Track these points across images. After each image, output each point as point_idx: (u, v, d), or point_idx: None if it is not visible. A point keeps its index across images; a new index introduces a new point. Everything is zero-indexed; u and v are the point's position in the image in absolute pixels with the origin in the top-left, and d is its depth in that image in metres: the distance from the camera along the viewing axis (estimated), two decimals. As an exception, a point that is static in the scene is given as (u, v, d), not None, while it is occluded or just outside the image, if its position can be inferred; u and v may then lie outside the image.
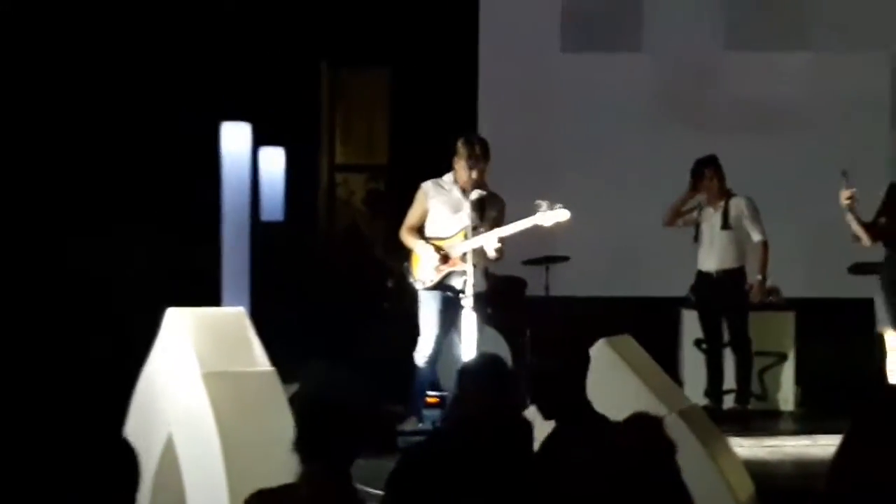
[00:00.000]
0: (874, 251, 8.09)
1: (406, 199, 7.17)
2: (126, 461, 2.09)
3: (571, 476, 3.67)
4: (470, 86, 9.62)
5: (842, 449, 2.48)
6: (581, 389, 3.90)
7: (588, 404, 3.94)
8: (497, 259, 6.71)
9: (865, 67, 9.49)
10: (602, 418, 3.91)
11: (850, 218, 6.76)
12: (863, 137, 9.33)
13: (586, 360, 3.97)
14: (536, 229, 6.58)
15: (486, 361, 3.99)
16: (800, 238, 8.90)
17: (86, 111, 7.89)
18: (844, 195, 6.79)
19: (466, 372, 3.85)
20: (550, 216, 6.50)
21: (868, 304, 8.05)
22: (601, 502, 3.38)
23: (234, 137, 8.68)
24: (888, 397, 2.81)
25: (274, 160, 9.15)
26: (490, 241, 6.61)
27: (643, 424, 3.58)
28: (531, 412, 4.13)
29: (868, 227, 6.90)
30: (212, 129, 8.60)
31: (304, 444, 3.29)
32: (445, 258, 6.77)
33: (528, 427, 3.93)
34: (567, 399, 3.90)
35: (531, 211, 6.54)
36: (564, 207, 6.50)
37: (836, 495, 2.44)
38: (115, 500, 2.38)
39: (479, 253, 6.64)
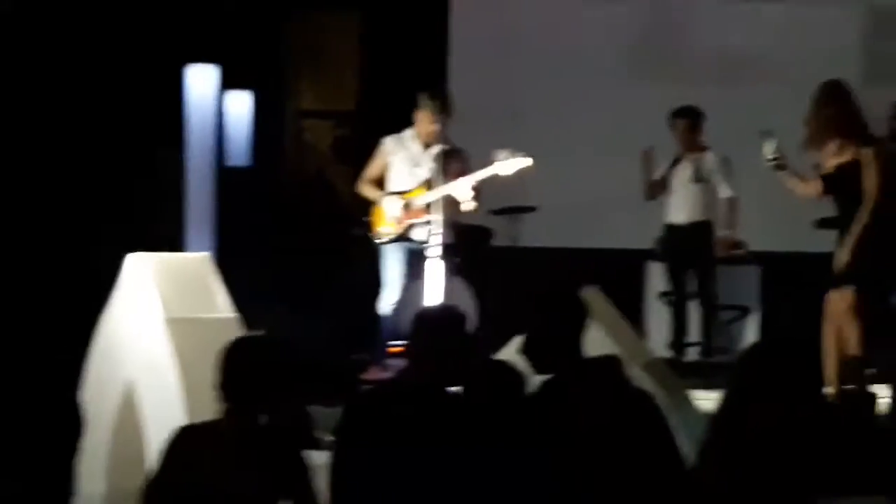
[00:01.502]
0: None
1: (373, 146, 7.12)
2: (70, 421, 2.07)
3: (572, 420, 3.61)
4: (441, 33, 9.53)
5: (725, 400, 2.58)
6: (577, 342, 3.81)
7: (582, 358, 3.87)
8: (474, 209, 6.68)
9: (838, 20, 9.46)
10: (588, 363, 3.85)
11: (784, 176, 6.32)
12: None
13: (584, 313, 3.89)
14: (501, 178, 6.55)
15: (441, 309, 3.98)
16: (767, 192, 8.89)
17: (47, 50, 7.76)
18: (768, 156, 6.29)
19: (421, 318, 3.81)
20: (511, 164, 6.49)
21: (832, 258, 8.08)
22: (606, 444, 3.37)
23: (200, 80, 8.56)
24: (768, 352, 2.83)
25: (240, 104, 9.04)
26: (460, 192, 6.57)
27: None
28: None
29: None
30: (177, 71, 8.48)
31: (226, 384, 3.55)
32: (407, 208, 6.75)
33: (515, 374, 3.89)
34: (561, 351, 3.82)
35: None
36: (528, 156, 6.47)
37: (718, 446, 2.53)
38: (53, 457, 2.37)
39: (445, 204, 6.61)
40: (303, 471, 3.69)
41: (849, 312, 5.96)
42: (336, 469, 3.67)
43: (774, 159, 6.22)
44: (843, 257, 6.01)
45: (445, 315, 3.88)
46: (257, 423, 3.62)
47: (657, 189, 7.97)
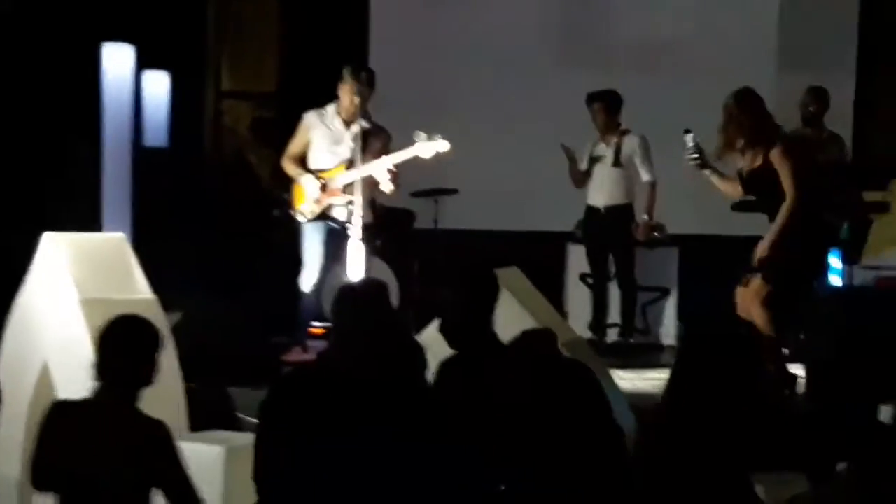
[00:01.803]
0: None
1: (293, 127, 7.08)
2: None
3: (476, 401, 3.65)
4: (362, 14, 9.48)
5: (671, 383, 2.63)
6: (489, 318, 3.87)
7: (493, 333, 3.91)
8: (393, 190, 6.66)
9: (754, 7, 9.58)
10: (503, 346, 3.89)
11: (708, 174, 6.44)
12: (749, 78, 9.42)
13: (496, 288, 3.94)
14: (423, 160, 6.54)
15: (363, 283, 3.97)
16: (685, 175, 8.98)
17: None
18: (689, 156, 6.40)
19: (343, 294, 3.78)
20: (430, 146, 6.48)
21: (749, 241, 8.18)
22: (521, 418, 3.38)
23: (116, 59, 8.41)
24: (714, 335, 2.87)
25: (158, 84, 8.91)
26: (379, 172, 6.55)
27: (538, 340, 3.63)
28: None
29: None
30: (92, 50, 8.32)
31: (99, 363, 3.61)
32: (326, 188, 6.71)
33: (420, 352, 3.90)
34: (474, 327, 3.86)
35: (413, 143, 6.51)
36: (449, 137, 6.47)
37: (667, 427, 2.58)
38: None
39: (366, 184, 6.58)
40: (173, 457, 3.69)
41: (755, 300, 6.12)
42: (260, 450, 3.64)
43: (695, 157, 6.33)
44: (761, 251, 6.13)
45: (368, 288, 3.86)
46: (130, 404, 3.65)
47: (586, 178, 8.03)
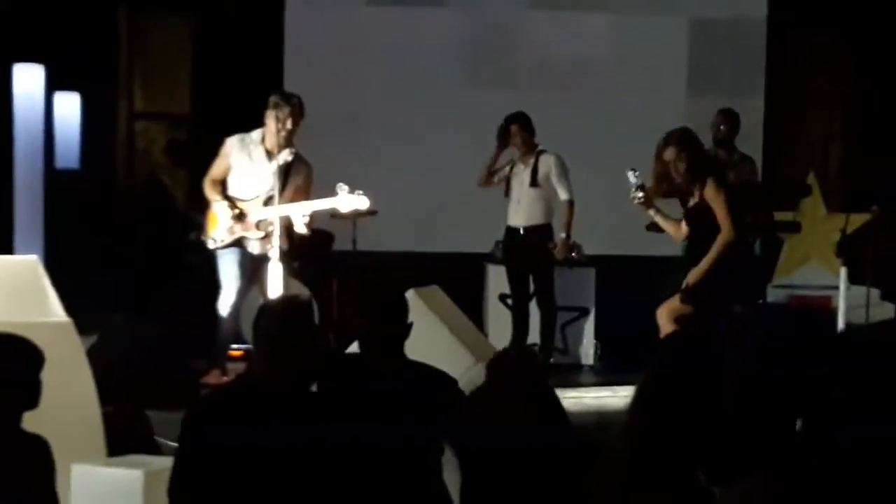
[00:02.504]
0: (673, 209, 8.33)
1: (208, 149, 6.98)
2: None
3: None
4: (276, 36, 9.44)
5: (631, 412, 2.67)
6: (400, 344, 3.88)
7: (403, 355, 3.92)
8: (305, 234, 6.57)
9: (663, 31, 9.74)
10: (417, 364, 3.90)
11: (652, 213, 6.53)
12: (660, 100, 9.59)
13: (405, 308, 3.95)
14: (334, 210, 6.50)
15: (284, 299, 3.96)
16: (600, 196, 9.08)
17: None
18: (634, 195, 6.42)
19: (263, 310, 3.75)
20: (350, 201, 6.42)
21: (662, 261, 8.28)
22: None
23: (27, 80, 8.27)
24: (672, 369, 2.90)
25: (69, 105, 8.77)
26: (295, 216, 6.46)
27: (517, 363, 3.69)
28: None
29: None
30: (2, 70, 8.17)
31: None
32: (240, 219, 6.61)
33: (345, 366, 3.91)
34: (385, 345, 3.87)
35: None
36: (363, 190, 6.42)
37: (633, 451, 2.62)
38: None
39: (283, 216, 6.52)
40: (48, 476, 3.63)
41: (669, 317, 6.26)
42: (179, 467, 3.59)
43: (641, 197, 6.41)
44: (693, 278, 6.27)
45: (288, 304, 3.83)
46: (13, 426, 3.58)
47: (490, 178, 8.07)
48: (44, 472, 3.62)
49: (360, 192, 6.42)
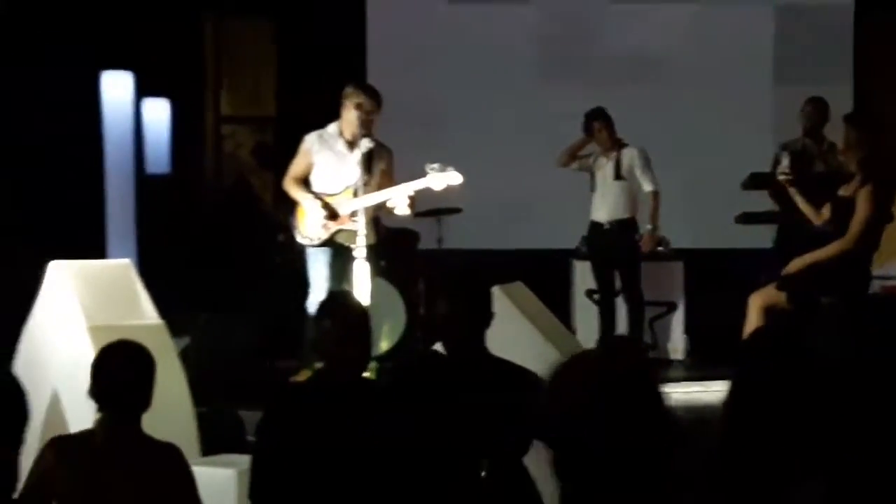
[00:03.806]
0: (762, 202, 8.22)
1: (294, 151, 7.02)
2: (13, 396, 1.99)
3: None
4: (358, 36, 9.50)
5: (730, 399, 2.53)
6: (481, 332, 3.87)
7: (484, 348, 3.92)
8: (408, 215, 6.58)
9: (749, 21, 9.61)
10: (499, 360, 3.89)
11: (793, 193, 6.44)
12: (746, 91, 9.47)
13: (485, 297, 3.93)
14: (427, 191, 6.49)
15: (340, 299, 4.01)
16: (686, 189, 9.00)
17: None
18: (782, 171, 6.47)
19: (329, 308, 3.79)
20: (441, 178, 6.40)
21: (751, 253, 8.17)
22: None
23: (116, 87, 8.43)
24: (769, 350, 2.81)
25: (158, 111, 8.92)
26: (397, 201, 6.46)
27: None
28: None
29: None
30: (92, 78, 8.33)
31: (98, 392, 3.54)
32: (333, 216, 6.62)
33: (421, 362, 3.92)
34: (468, 340, 3.86)
35: (421, 167, 6.44)
36: (454, 169, 6.40)
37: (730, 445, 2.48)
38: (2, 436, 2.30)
39: (370, 206, 6.54)
40: (187, 481, 3.67)
41: (758, 304, 6.13)
42: (257, 469, 3.65)
43: (788, 174, 6.35)
44: (793, 267, 6.12)
45: (340, 299, 3.88)
46: (134, 432, 3.62)
47: (570, 159, 8.04)
48: (180, 479, 3.65)
49: (451, 168, 6.40)
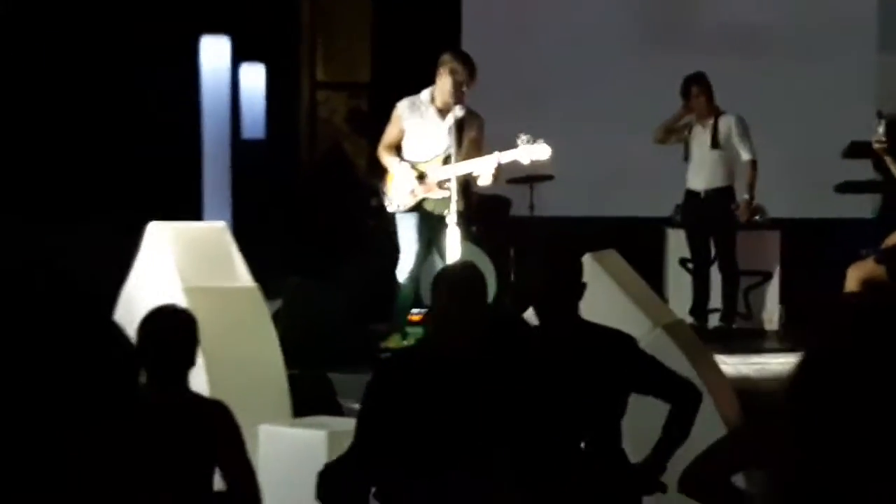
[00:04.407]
0: (864, 172, 8.05)
1: (388, 117, 7.04)
2: (122, 343, 2.00)
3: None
4: (454, 3, 9.46)
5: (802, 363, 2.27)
6: (574, 303, 3.87)
7: (578, 316, 3.91)
8: (489, 184, 6.59)
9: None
10: (594, 325, 3.89)
11: (889, 161, 6.39)
12: (849, 60, 9.24)
13: (578, 268, 3.93)
14: (515, 163, 6.47)
15: (460, 267, 4.01)
16: (785, 159, 8.84)
17: (62, 23, 7.72)
18: (875, 138, 6.42)
19: (441, 277, 3.82)
20: (530, 151, 6.37)
21: (851, 223, 8.00)
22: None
23: (213, 52, 8.50)
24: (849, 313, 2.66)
25: (254, 76, 8.99)
26: (482, 171, 6.46)
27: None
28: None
29: None
30: (190, 42, 8.42)
31: (142, 353, 3.61)
32: (423, 181, 6.64)
33: (527, 330, 3.93)
34: (562, 311, 3.86)
35: (513, 136, 6.41)
36: (546, 138, 6.36)
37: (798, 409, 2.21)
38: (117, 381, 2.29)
39: (459, 175, 6.54)
40: (234, 437, 3.71)
41: (855, 276, 6.01)
42: (363, 428, 3.68)
43: (884, 142, 6.26)
44: (893, 240, 6.05)
45: (465, 271, 3.88)
46: (179, 392, 3.70)
47: (668, 135, 7.93)
48: (227, 436, 3.73)
49: (541, 140, 6.37)
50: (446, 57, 6.60)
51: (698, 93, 7.84)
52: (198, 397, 3.80)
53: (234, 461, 3.72)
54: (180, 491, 3.63)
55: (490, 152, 6.53)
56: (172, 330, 3.75)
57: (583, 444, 3.81)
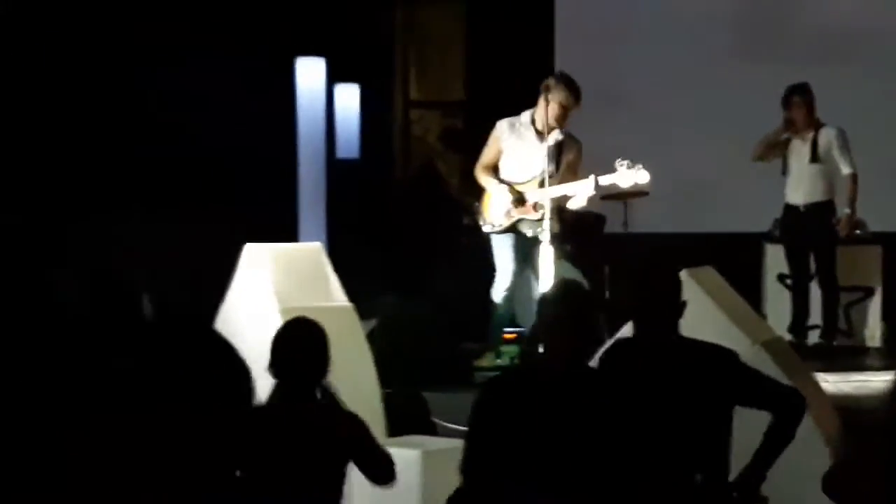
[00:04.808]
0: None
1: (482, 135, 7.06)
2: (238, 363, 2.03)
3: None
4: (547, 19, 9.46)
5: None
6: (675, 315, 3.86)
7: (678, 334, 3.90)
8: (582, 206, 6.62)
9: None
10: (692, 341, 3.87)
11: None
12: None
13: (678, 286, 3.93)
14: (614, 186, 6.48)
15: (565, 287, 4.03)
16: (886, 171, 8.66)
17: (162, 41, 7.88)
18: None
19: (546, 299, 3.84)
20: (630, 176, 6.39)
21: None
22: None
23: (309, 73, 8.62)
24: None
25: (349, 96, 9.09)
26: (578, 196, 6.50)
27: None
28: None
29: None
30: (286, 64, 8.55)
31: (276, 364, 3.80)
32: (519, 203, 6.65)
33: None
34: (661, 331, 3.85)
35: (607, 148, 6.41)
36: (642, 161, 6.36)
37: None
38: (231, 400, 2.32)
39: (555, 198, 6.55)
40: (368, 447, 3.84)
41: None
42: (471, 444, 3.70)
43: None
44: None
45: (573, 289, 3.90)
46: (308, 402, 3.81)
47: (769, 151, 7.79)
48: (358, 445, 3.82)
49: (640, 166, 6.37)
50: (551, 82, 6.60)
51: (800, 103, 7.71)
52: (328, 407, 3.89)
53: (372, 462, 3.85)
54: (311, 494, 3.74)
55: (586, 174, 6.53)
56: (308, 340, 3.88)
57: (698, 477, 3.76)
